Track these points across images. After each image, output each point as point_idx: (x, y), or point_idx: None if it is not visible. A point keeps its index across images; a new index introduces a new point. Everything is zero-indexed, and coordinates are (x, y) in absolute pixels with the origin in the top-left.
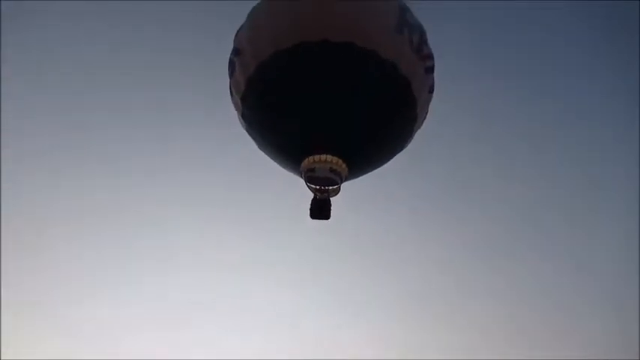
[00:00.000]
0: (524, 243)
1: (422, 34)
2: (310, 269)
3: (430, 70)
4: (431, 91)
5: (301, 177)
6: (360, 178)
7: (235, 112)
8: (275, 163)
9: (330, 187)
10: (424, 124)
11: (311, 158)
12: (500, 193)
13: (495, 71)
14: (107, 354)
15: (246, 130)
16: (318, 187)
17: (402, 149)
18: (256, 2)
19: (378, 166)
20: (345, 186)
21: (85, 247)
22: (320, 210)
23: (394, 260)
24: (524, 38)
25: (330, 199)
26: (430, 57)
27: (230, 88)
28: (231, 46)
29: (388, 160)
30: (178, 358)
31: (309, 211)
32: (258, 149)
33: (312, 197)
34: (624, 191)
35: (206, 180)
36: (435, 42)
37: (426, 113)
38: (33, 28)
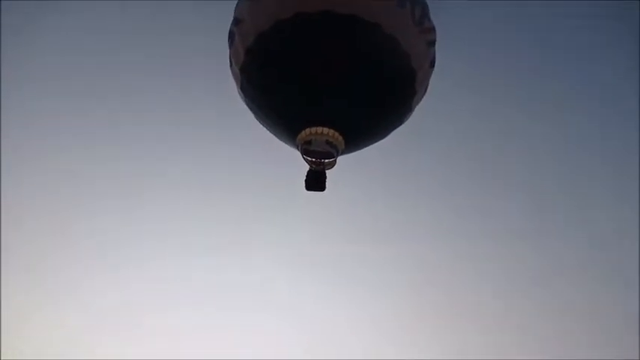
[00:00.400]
0: (528, 228)
1: (424, 7)
2: (308, 251)
3: (432, 44)
4: (432, 65)
5: (298, 149)
6: (359, 153)
7: (234, 84)
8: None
9: (326, 160)
10: (424, 99)
11: (308, 130)
12: (505, 173)
13: (503, 50)
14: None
15: (245, 102)
16: (314, 159)
17: (400, 124)
18: None
19: (376, 141)
20: (345, 166)
21: (82, 238)
22: (315, 181)
23: (394, 242)
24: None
25: (326, 171)
26: (432, 30)
27: (230, 59)
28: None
29: (386, 134)
30: (176, 342)
31: (304, 183)
32: (256, 122)
33: (308, 169)
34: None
35: (199, 163)
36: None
37: (426, 88)
38: (33, 28)
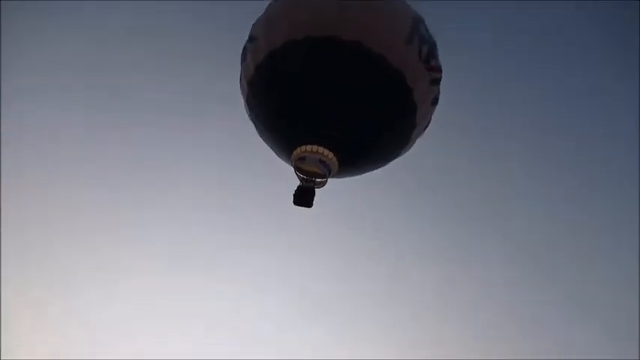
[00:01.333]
0: (523, 249)
1: (432, 47)
2: (293, 275)
3: (436, 82)
4: (434, 102)
5: (292, 165)
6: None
7: (240, 100)
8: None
9: (317, 179)
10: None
11: (303, 147)
12: (497, 204)
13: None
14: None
15: (249, 115)
16: (305, 176)
17: (397, 155)
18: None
19: (371, 169)
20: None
21: (76, 248)
22: (303, 197)
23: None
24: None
25: (315, 189)
26: (438, 70)
27: (240, 73)
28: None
29: (381, 163)
30: None
31: (292, 197)
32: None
33: (298, 184)
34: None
35: (191, 183)
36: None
37: (428, 123)
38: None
